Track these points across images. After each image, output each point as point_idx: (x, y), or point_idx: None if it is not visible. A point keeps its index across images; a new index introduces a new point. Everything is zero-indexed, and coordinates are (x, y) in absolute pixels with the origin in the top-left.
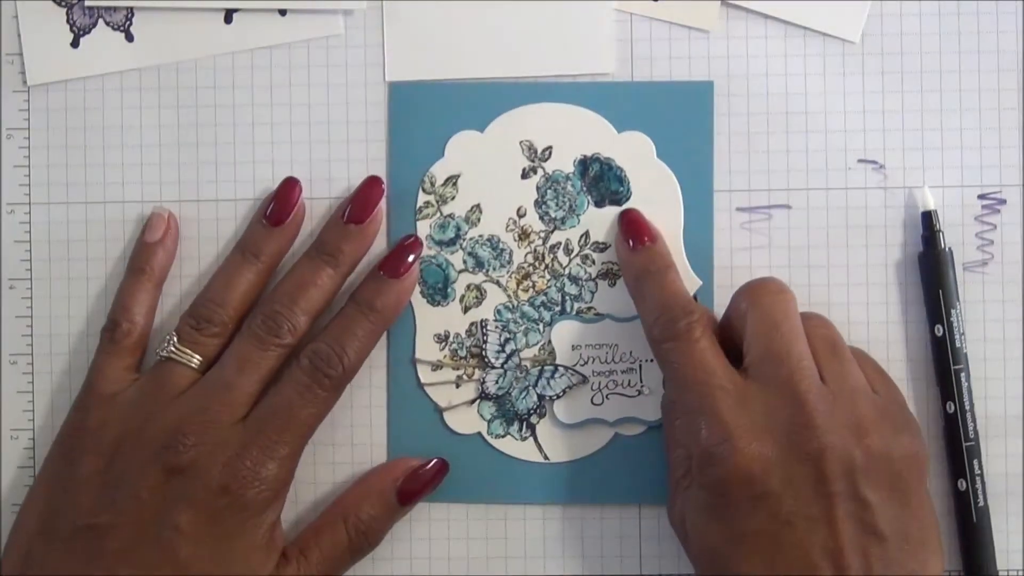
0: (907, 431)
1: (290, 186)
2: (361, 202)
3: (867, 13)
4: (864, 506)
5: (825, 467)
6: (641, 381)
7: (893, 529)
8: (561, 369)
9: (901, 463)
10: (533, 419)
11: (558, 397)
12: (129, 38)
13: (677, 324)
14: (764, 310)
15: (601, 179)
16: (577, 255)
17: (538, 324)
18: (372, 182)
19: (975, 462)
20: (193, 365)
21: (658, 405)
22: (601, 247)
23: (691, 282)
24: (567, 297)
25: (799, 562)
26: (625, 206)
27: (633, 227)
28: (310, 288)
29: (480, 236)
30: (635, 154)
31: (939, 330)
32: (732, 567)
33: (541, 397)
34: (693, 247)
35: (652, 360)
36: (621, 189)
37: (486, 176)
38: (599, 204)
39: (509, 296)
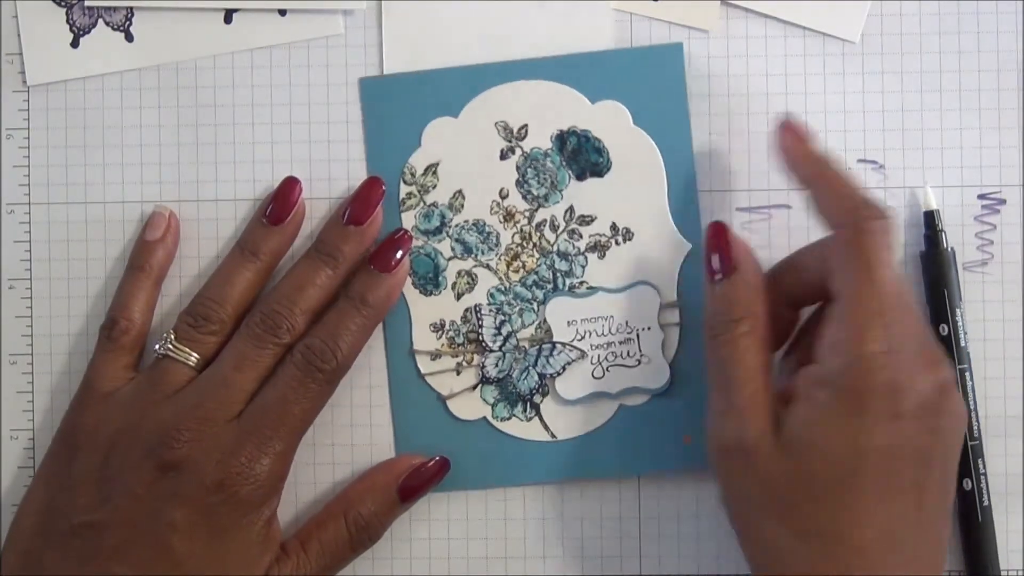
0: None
1: (290, 185)
2: (362, 203)
3: (867, 13)
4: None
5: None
6: (640, 351)
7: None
8: (559, 346)
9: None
10: (536, 398)
11: (559, 374)
12: (129, 38)
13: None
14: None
15: (580, 152)
16: (564, 230)
17: (532, 303)
18: (372, 183)
19: (979, 461)
20: (190, 363)
21: (657, 373)
22: (587, 220)
23: (680, 246)
24: (558, 274)
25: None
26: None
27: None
28: (309, 288)
29: (465, 222)
30: (611, 123)
31: (944, 329)
32: (850, 483)
33: (542, 376)
34: (679, 211)
35: (649, 328)
36: (601, 160)
37: (465, 161)
38: (580, 177)
39: (500, 278)
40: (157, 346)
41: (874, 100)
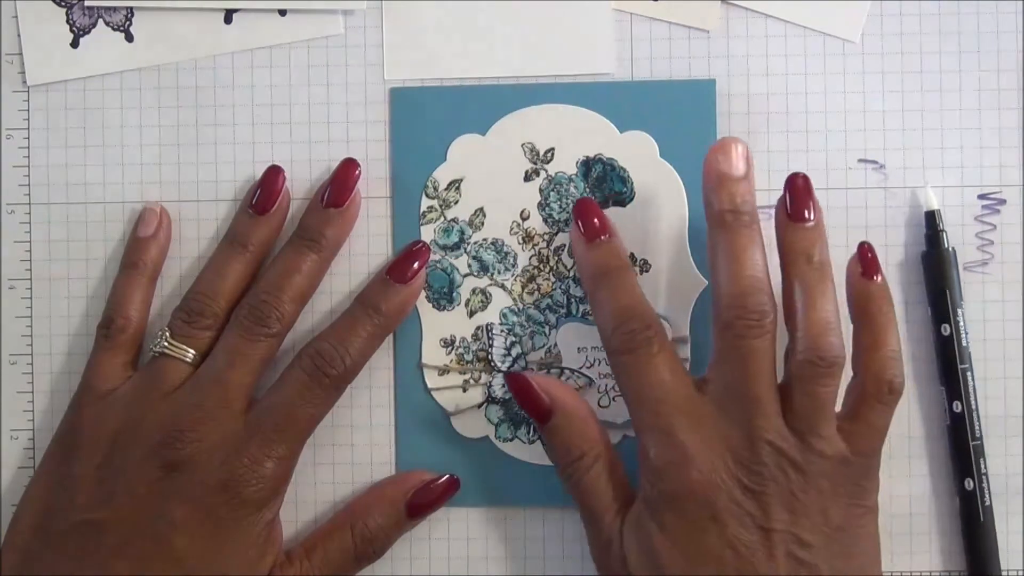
0: (861, 501)
1: (274, 174)
2: (339, 185)
3: (867, 13)
4: (803, 546)
5: (768, 505)
6: None
7: (834, 569)
8: (567, 372)
9: (847, 524)
10: None
11: None
12: (129, 38)
13: (635, 337)
14: (731, 347)
15: (604, 180)
16: None
17: (544, 327)
18: (348, 164)
19: (981, 461)
20: (187, 360)
21: None
22: None
23: (696, 282)
24: (572, 299)
25: None
26: (583, 197)
27: (589, 220)
28: (294, 275)
29: (484, 240)
30: (638, 154)
31: (946, 329)
32: None
33: None
34: (698, 247)
35: None
36: (624, 190)
37: (489, 179)
38: (603, 205)
39: (514, 299)
40: (153, 344)
41: (874, 100)
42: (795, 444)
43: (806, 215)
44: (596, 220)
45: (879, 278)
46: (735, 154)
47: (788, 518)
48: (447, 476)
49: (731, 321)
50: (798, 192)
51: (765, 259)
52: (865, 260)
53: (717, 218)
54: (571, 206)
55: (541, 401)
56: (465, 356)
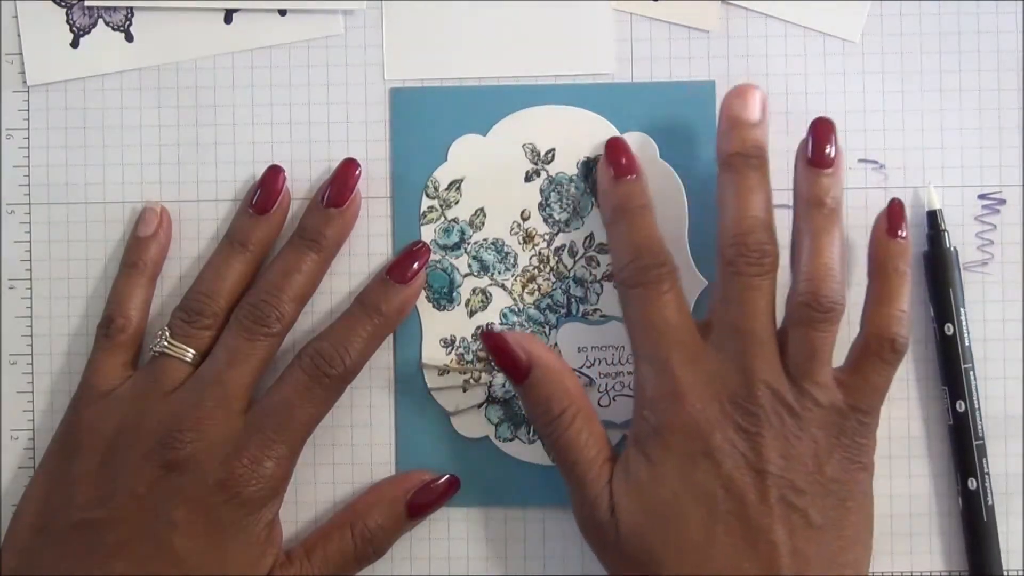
0: (857, 457)
1: (274, 174)
2: (339, 185)
3: (867, 13)
4: (797, 492)
5: (762, 447)
6: None
7: (827, 519)
8: None
9: (842, 477)
10: None
11: None
12: (129, 38)
13: (648, 272)
14: (731, 284)
15: None
16: (582, 257)
17: (544, 327)
18: (348, 164)
19: (983, 461)
20: (187, 359)
21: None
22: (606, 248)
23: (697, 282)
24: (572, 299)
25: (736, 521)
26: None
27: (619, 157)
28: (294, 274)
29: (484, 240)
30: (638, 155)
31: (949, 329)
32: (672, 521)
33: None
34: (697, 247)
35: None
36: None
37: (489, 180)
38: None
39: (515, 299)
40: (153, 344)
41: (874, 100)
42: (790, 388)
43: (827, 159)
44: (625, 158)
45: (903, 235)
46: (752, 100)
47: (782, 463)
48: (447, 476)
49: (732, 259)
50: (821, 136)
51: (770, 203)
52: (892, 215)
53: (726, 161)
54: (571, 207)
55: (519, 358)
56: (465, 356)
